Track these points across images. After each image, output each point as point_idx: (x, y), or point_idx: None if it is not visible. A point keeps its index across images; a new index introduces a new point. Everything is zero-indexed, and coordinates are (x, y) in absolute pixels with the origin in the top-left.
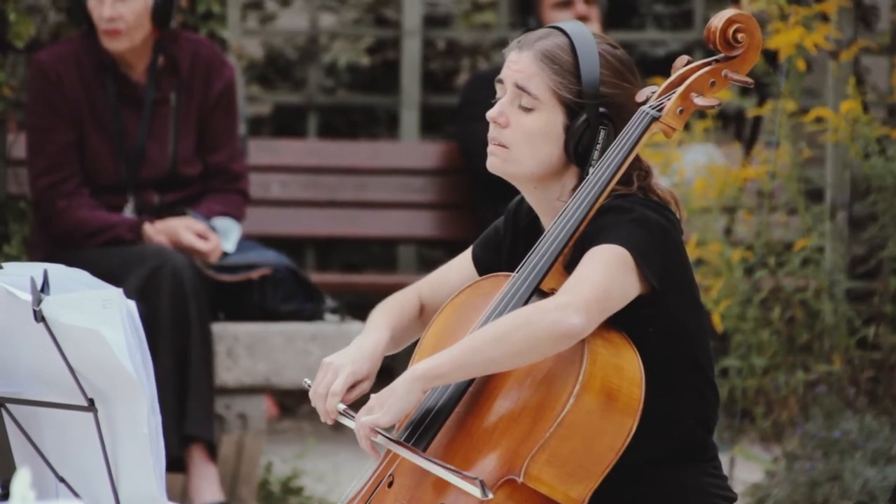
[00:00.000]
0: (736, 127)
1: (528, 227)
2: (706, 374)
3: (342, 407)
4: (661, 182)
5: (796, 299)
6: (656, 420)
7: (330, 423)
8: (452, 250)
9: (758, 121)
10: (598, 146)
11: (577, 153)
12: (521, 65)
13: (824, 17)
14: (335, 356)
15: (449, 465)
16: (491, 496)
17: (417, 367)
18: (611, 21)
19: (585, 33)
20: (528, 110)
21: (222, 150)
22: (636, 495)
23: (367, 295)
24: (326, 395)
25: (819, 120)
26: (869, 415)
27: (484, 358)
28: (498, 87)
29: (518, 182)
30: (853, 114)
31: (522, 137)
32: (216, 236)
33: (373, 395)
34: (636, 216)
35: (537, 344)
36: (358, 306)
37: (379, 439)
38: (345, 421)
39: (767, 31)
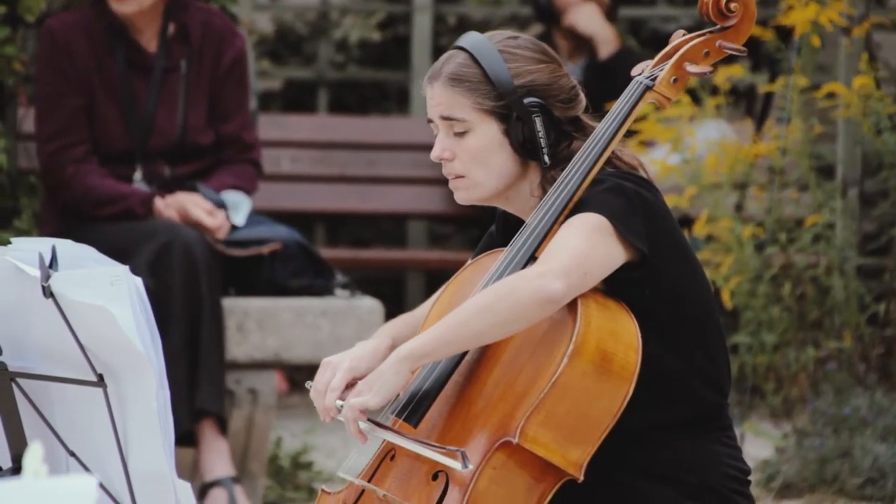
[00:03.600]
0: (747, 103)
1: (518, 220)
2: (713, 334)
3: (340, 403)
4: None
5: (807, 276)
6: (665, 384)
7: (328, 420)
8: (462, 226)
9: (769, 97)
10: (541, 132)
11: (527, 149)
12: (437, 97)
13: None
14: (335, 356)
15: (429, 442)
16: (471, 468)
17: (404, 347)
18: None
19: (481, 39)
20: (463, 134)
21: (234, 120)
22: (646, 461)
23: (377, 270)
24: (325, 391)
25: (831, 96)
26: (879, 391)
27: (470, 331)
28: (432, 127)
29: (491, 202)
30: (866, 90)
31: (471, 161)
32: (223, 213)
33: (360, 381)
34: (610, 185)
35: (521, 312)
36: (368, 282)
37: (364, 426)
38: (342, 417)
39: (780, 8)
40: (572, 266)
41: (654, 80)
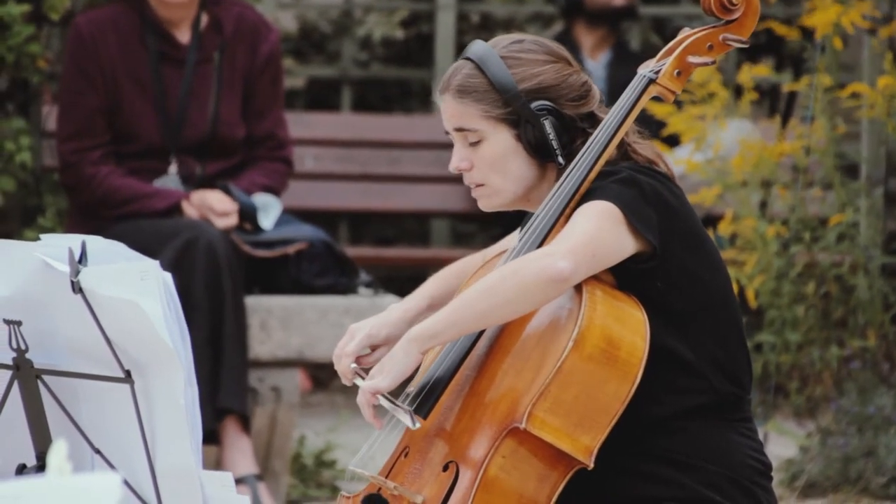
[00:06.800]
0: (771, 102)
1: None
2: (730, 328)
3: (355, 366)
4: (698, 154)
5: (831, 275)
6: (679, 374)
7: (349, 384)
8: (486, 224)
9: (793, 96)
10: (551, 135)
11: (541, 151)
12: (448, 110)
13: None
14: (360, 322)
15: (391, 398)
16: (419, 425)
17: (413, 330)
18: None
19: (485, 48)
20: (477, 143)
21: (269, 116)
22: (665, 448)
23: (400, 269)
24: (341, 356)
25: (856, 95)
26: None
27: (475, 311)
28: (450, 138)
29: (514, 206)
30: (890, 90)
31: (489, 168)
32: (233, 206)
33: (375, 366)
34: (623, 176)
35: (526, 291)
36: (391, 280)
37: (381, 401)
38: (358, 381)
39: (805, 6)
40: (579, 246)
41: (657, 73)
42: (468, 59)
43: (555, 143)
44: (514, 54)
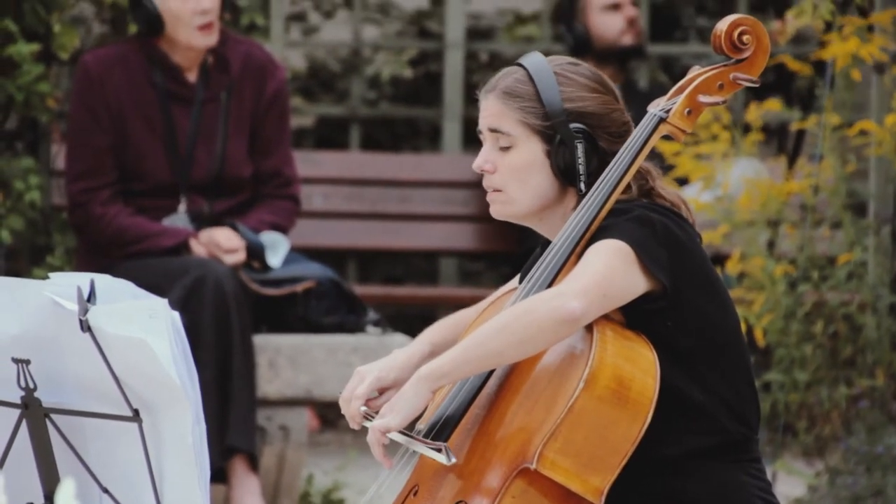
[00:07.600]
0: (779, 140)
1: None
2: (738, 368)
3: (364, 409)
4: (703, 194)
5: (839, 314)
6: (688, 415)
7: (356, 427)
8: (494, 263)
9: (801, 134)
10: (580, 160)
11: (566, 174)
12: (488, 109)
13: (869, 29)
14: (367, 365)
15: (418, 437)
16: (454, 460)
17: (423, 368)
18: (654, 34)
19: (541, 60)
20: (507, 149)
21: (275, 154)
22: (672, 489)
23: (409, 307)
24: (351, 399)
25: (863, 133)
26: None
27: (486, 351)
28: (481, 138)
29: (524, 221)
30: None
31: (511, 176)
32: (240, 242)
33: (384, 404)
34: (637, 215)
35: (538, 331)
36: (399, 318)
37: (395, 436)
38: (367, 424)
39: (815, 44)
40: (591, 286)
41: (668, 112)
42: (521, 65)
43: (582, 169)
44: (566, 73)
